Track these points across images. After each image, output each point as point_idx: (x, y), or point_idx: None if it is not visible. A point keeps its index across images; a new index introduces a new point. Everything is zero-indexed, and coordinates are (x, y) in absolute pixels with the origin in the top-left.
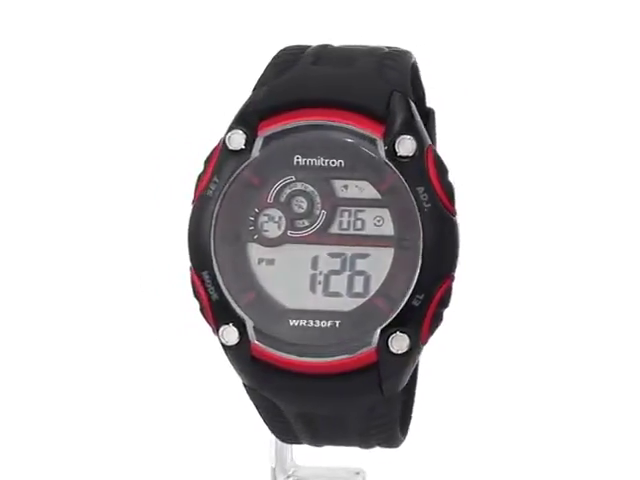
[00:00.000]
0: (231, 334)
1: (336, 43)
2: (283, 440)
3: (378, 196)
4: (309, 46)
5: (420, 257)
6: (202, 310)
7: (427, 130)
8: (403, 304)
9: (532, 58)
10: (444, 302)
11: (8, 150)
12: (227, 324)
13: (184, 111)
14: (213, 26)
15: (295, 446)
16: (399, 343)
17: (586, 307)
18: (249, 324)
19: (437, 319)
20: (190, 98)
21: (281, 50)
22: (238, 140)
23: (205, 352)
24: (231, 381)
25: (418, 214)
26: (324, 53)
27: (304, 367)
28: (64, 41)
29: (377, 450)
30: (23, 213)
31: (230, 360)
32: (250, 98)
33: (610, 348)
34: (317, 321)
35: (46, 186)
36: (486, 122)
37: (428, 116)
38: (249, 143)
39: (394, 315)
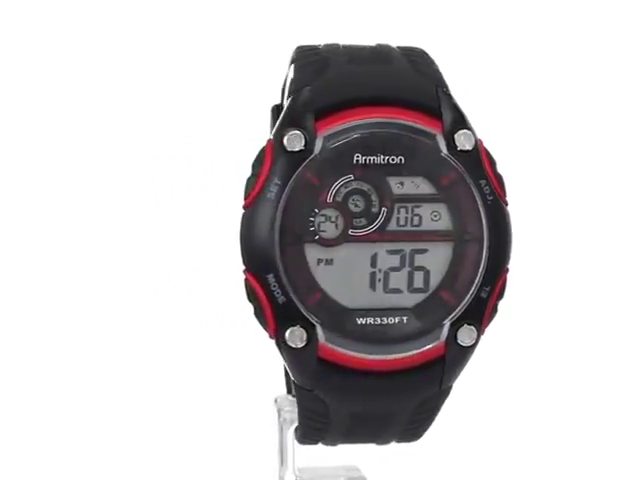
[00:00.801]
0: (298, 336)
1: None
2: (304, 442)
3: (434, 191)
4: (316, 46)
5: (485, 249)
6: (260, 313)
7: None
8: (471, 297)
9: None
10: (502, 293)
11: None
12: (294, 326)
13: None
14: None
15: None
16: (468, 335)
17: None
18: (318, 325)
19: (495, 311)
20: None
21: (300, 51)
22: (297, 141)
23: (213, 355)
24: (237, 384)
25: (482, 207)
26: (353, 52)
27: (373, 365)
28: (78, 46)
29: (377, 450)
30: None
31: (292, 362)
32: (294, 99)
33: None
34: (384, 318)
35: (68, 188)
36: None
37: None
38: (309, 143)
39: (462, 308)
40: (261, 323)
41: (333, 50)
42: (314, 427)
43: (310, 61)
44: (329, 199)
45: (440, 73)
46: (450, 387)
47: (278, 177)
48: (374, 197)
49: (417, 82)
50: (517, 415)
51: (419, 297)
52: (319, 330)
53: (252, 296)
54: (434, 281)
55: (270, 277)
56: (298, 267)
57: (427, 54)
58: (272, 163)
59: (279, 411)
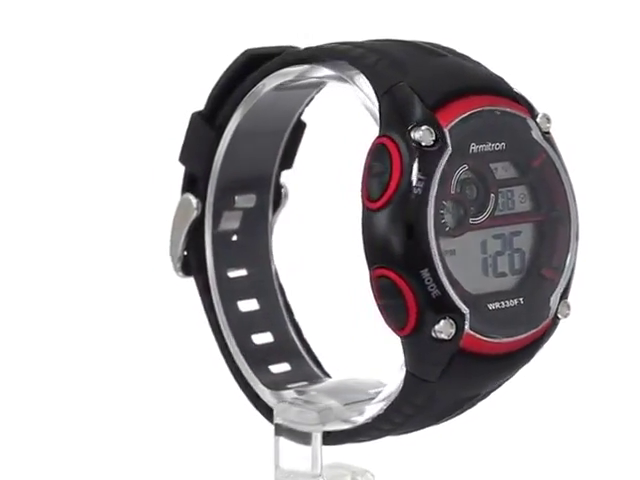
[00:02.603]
0: (448, 328)
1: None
2: (342, 443)
3: (519, 174)
4: (346, 43)
5: (573, 226)
6: (399, 310)
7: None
8: (571, 271)
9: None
10: None
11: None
12: (444, 319)
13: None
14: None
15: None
16: (567, 309)
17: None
18: (466, 314)
19: None
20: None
21: (339, 51)
22: (428, 136)
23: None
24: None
25: (567, 184)
26: (399, 48)
27: (501, 348)
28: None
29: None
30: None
31: (432, 354)
32: (394, 96)
33: None
34: (506, 301)
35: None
36: None
37: None
38: (439, 137)
39: (565, 283)
40: (396, 320)
41: (379, 46)
42: (395, 422)
43: (376, 59)
44: (452, 190)
45: (483, 65)
46: None
47: (422, 173)
48: (482, 184)
49: (485, 71)
50: (523, 418)
51: (521, 278)
52: (467, 319)
53: (392, 294)
54: (529, 261)
55: (424, 272)
56: (445, 259)
57: (446, 46)
58: (403, 160)
59: (320, 414)
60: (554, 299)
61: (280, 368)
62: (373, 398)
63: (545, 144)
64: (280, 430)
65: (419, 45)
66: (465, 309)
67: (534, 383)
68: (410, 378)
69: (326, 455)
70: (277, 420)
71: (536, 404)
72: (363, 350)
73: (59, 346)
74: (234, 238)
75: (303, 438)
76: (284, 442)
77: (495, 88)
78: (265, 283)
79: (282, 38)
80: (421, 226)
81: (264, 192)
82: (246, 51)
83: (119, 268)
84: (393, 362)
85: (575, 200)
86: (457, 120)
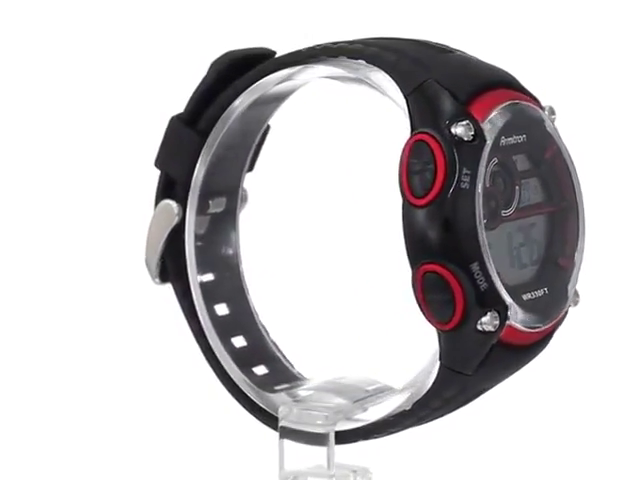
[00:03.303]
0: (493, 320)
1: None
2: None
3: (532, 165)
4: (357, 41)
5: (581, 215)
6: (446, 305)
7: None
8: (582, 260)
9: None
10: None
11: None
12: (490, 311)
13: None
14: None
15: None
16: (576, 296)
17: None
18: (511, 305)
19: None
20: None
21: (356, 51)
22: (468, 130)
23: None
24: None
25: (573, 174)
26: (411, 46)
27: (533, 337)
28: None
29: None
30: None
31: (475, 347)
32: (422, 94)
33: None
34: (535, 292)
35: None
36: None
37: None
38: (478, 132)
39: (577, 271)
40: (441, 315)
41: (389, 44)
42: (420, 416)
43: (396, 57)
44: (487, 183)
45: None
46: None
47: (467, 167)
48: (508, 177)
49: (493, 66)
50: (524, 417)
51: (537, 269)
52: (510, 311)
53: (439, 289)
54: (544, 252)
55: (474, 266)
56: (489, 252)
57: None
58: (447, 155)
59: (334, 414)
60: (571, 288)
61: (261, 370)
62: (380, 395)
63: (556, 135)
64: (286, 432)
65: (422, 42)
66: (509, 300)
67: (533, 381)
68: (445, 371)
69: (325, 455)
70: (282, 423)
71: (535, 401)
72: (331, 349)
73: (36, 357)
74: (200, 243)
75: (314, 439)
76: (289, 444)
77: (511, 82)
78: (235, 287)
79: (252, 40)
80: (470, 220)
81: (233, 195)
82: (227, 53)
83: (90, 276)
84: (362, 361)
85: (581, 190)
86: (492, 114)
